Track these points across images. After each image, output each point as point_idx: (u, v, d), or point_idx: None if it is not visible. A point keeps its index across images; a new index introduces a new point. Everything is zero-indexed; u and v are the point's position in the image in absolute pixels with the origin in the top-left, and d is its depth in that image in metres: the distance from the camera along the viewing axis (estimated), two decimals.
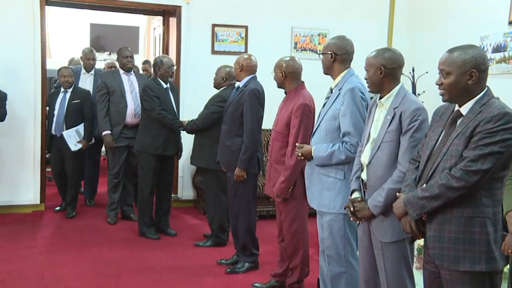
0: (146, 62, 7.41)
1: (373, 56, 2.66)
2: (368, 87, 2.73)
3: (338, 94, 3.01)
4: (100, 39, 9.21)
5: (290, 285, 3.68)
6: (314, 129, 3.14)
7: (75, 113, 5.25)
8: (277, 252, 3.83)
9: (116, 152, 5.15)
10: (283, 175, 3.42)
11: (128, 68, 5.21)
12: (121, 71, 5.21)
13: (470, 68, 2.14)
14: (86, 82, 5.78)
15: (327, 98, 3.12)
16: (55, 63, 7.62)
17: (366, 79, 2.71)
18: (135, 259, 4.26)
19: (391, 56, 2.63)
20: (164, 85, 4.72)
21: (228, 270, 4.08)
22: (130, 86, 5.20)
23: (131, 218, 5.29)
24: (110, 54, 9.08)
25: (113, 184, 5.24)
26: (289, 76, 3.50)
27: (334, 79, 3.10)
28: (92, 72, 5.84)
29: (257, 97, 3.93)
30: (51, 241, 4.66)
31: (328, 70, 3.12)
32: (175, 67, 4.81)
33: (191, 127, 4.57)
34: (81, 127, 5.29)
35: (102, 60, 7.91)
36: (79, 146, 5.23)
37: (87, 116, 5.33)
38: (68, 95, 5.29)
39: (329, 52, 3.06)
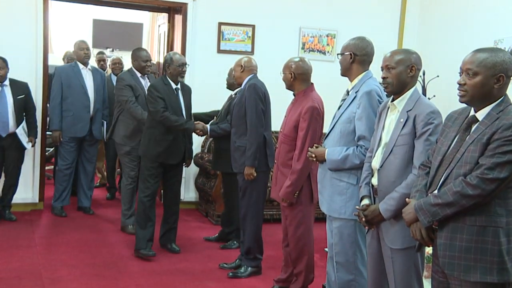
0: (101, 53, 6.90)
1: (403, 54, 2.60)
2: (387, 86, 2.60)
3: (355, 97, 2.93)
4: (103, 35, 9.14)
5: None
6: (328, 131, 3.06)
7: (21, 109, 4.95)
8: (281, 257, 3.77)
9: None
10: (290, 179, 3.35)
11: (147, 72, 4.95)
12: (138, 74, 4.87)
13: (499, 72, 2.08)
14: (86, 78, 5.28)
15: (343, 100, 3.04)
16: (56, 58, 7.57)
17: (383, 78, 2.60)
18: (135, 261, 4.19)
19: (418, 56, 2.62)
20: (174, 85, 4.29)
21: (230, 274, 4.00)
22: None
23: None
24: (112, 51, 9.02)
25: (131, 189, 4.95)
26: (298, 77, 3.44)
27: (351, 81, 3.03)
28: (90, 67, 5.36)
29: (256, 90, 3.88)
30: (50, 241, 4.58)
31: (346, 71, 3.03)
32: (187, 65, 4.42)
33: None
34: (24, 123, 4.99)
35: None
36: (30, 144, 5.03)
37: (30, 111, 5.03)
38: (7, 89, 4.85)
39: (348, 53, 2.98)
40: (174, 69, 4.26)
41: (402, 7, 6.22)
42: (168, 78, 4.29)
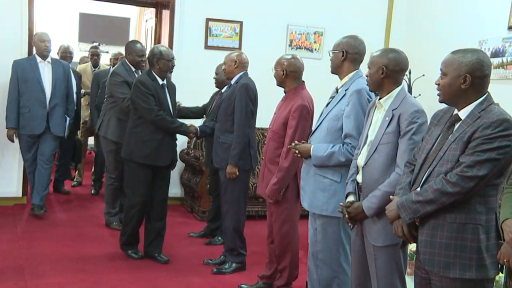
0: (94, 48, 6.70)
1: (378, 55, 2.62)
2: (368, 84, 2.68)
3: (344, 95, 2.94)
4: (89, 29, 9.07)
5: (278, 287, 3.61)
6: (315, 127, 3.07)
7: None
8: (265, 254, 3.77)
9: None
10: (276, 176, 3.36)
11: (142, 67, 4.66)
12: (133, 69, 4.59)
13: (464, 72, 2.13)
14: (44, 72, 4.98)
15: (332, 97, 3.05)
16: None
17: (367, 76, 2.66)
18: (119, 256, 4.17)
19: (395, 57, 2.59)
20: (160, 81, 3.98)
21: (215, 270, 4.01)
22: None
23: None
24: (99, 45, 8.96)
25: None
26: (290, 74, 3.43)
27: (341, 79, 3.03)
28: (49, 59, 5.05)
29: (248, 91, 3.87)
30: (33, 235, 4.54)
31: (337, 69, 3.04)
32: (175, 60, 4.10)
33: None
34: None
35: (86, 51, 7.70)
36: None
37: None
38: None
39: (340, 50, 2.99)
40: (164, 64, 3.94)
41: (389, 6, 6.25)
42: (155, 74, 3.96)
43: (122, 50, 5.59)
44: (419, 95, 5.03)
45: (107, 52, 8.33)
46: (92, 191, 6.14)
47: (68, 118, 5.20)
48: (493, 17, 4.87)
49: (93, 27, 9.08)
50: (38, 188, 4.99)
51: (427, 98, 4.64)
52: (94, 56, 6.52)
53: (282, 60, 3.46)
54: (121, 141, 4.46)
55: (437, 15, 5.71)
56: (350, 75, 2.98)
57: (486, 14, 4.98)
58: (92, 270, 3.86)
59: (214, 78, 4.74)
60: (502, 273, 2.18)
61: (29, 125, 4.91)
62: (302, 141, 3.14)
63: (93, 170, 6.38)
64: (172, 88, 4.19)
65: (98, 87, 5.58)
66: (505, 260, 2.05)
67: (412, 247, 2.88)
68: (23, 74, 4.88)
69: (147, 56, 3.82)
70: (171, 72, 4.19)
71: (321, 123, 3.02)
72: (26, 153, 5.04)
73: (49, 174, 5.19)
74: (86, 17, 9.09)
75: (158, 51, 3.95)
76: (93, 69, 6.49)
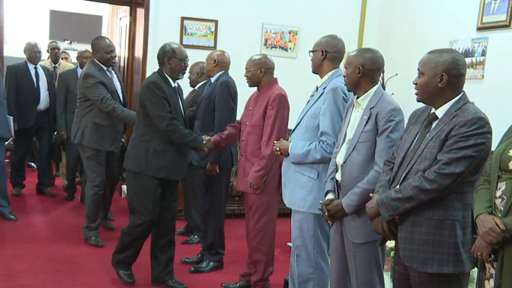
0: (54, 42, 6.46)
1: (354, 55, 2.67)
2: (345, 84, 2.73)
3: (322, 93, 2.98)
4: (60, 27, 8.92)
5: (254, 283, 3.62)
6: (295, 125, 3.11)
7: None
8: (242, 252, 3.78)
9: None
10: (259, 164, 3.39)
11: (112, 64, 4.45)
12: (104, 67, 4.37)
13: (441, 71, 2.19)
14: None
15: (312, 96, 3.09)
16: (11, 50, 7.32)
17: (344, 76, 2.70)
18: (95, 257, 4.12)
19: (371, 57, 2.64)
20: (173, 84, 3.52)
21: (192, 269, 4.00)
22: (116, 83, 4.54)
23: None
24: (70, 43, 8.83)
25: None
26: (267, 72, 3.51)
27: (321, 77, 3.08)
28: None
29: (229, 89, 3.88)
30: (4, 236, 4.45)
31: (317, 68, 3.08)
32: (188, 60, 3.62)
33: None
34: None
35: (62, 49, 7.57)
36: None
37: None
38: None
39: (320, 50, 3.03)
40: (177, 63, 3.48)
41: (362, 6, 6.32)
42: (166, 75, 3.49)
43: None
44: (392, 94, 5.07)
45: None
46: (66, 197, 5.85)
47: (11, 118, 4.92)
48: (463, 18, 4.99)
49: (64, 25, 8.94)
50: None
51: (400, 97, 4.72)
52: (55, 50, 6.23)
53: (257, 60, 3.51)
54: (100, 148, 4.33)
55: (409, 16, 5.80)
56: (330, 73, 3.03)
57: (456, 15, 5.09)
58: (68, 270, 3.81)
59: (188, 77, 4.73)
60: (477, 267, 2.24)
61: None
62: (281, 138, 3.18)
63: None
64: (181, 92, 3.80)
65: (67, 90, 5.39)
66: (478, 254, 2.10)
67: (389, 244, 2.94)
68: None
69: (157, 54, 3.50)
70: (184, 73, 3.64)
71: (300, 121, 3.06)
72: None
73: (3, 180, 4.87)
74: (57, 15, 8.94)
75: (170, 49, 3.47)
76: (53, 64, 6.26)
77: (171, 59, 3.45)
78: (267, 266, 3.59)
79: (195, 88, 4.61)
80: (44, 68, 5.79)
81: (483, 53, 4.73)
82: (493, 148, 2.21)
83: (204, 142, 3.53)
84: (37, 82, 5.62)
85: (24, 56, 5.70)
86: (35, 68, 5.65)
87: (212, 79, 4.03)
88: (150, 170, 3.41)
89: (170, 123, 3.36)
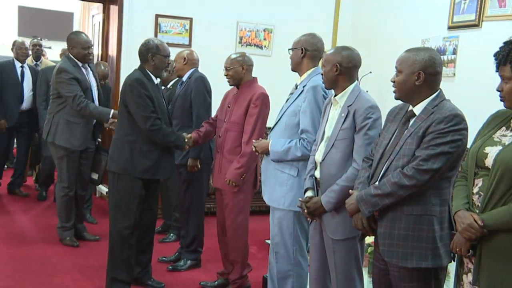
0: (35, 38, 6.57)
1: (331, 53, 2.70)
2: (323, 82, 2.75)
3: (302, 91, 3.00)
4: (29, 23, 8.74)
5: (233, 281, 3.63)
6: (275, 123, 3.12)
7: None
8: (218, 250, 3.76)
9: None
10: (239, 162, 3.39)
11: (89, 60, 4.33)
12: (80, 63, 4.26)
13: (418, 69, 2.22)
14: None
15: (291, 94, 3.10)
16: None
17: (322, 74, 2.72)
18: (70, 256, 4.07)
19: (348, 55, 2.67)
20: (155, 80, 3.44)
21: (170, 267, 3.99)
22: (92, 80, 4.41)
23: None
24: (41, 39, 8.65)
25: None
26: (248, 69, 3.51)
27: (301, 75, 3.09)
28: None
29: (204, 84, 3.89)
30: None
31: (297, 66, 3.10)
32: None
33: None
34: None
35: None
36: None
37: None
38: None
39: (299, 48, 3.05)
40: (160, 60, 3.38)
41: (336, 4, 6.38)
42: (149, 72, 3.39)
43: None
44: (367, 91, 5.16)
45: (50, 48, 8.05)
46: (38, 197, 5.74)
47: None
48: (435, 17, 5.07)
49: (33, 21, 8.76)
50: None
51: (374, 95, 4.78)
52: (37, 47, 6.11)
53: (238, 58, 3.51)
54: (71, 147, 4.21)
55: (382, 14, 5.88)
56: (309, 71, 3.05)
57: (428, 15, 5.18)
58: (42, 271, 3.75)
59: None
60: (454, 261, 2.29)
61: None
62: (260, 138, 3.19)
63: (35, 174, 6.15)
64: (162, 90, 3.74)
65: (48, 86, 5.21)
66: (457, 249, 2.13)
67: (367, 240, 2.98)
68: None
69: (138, 49, 3.39)
70: (166, 71, 3.55)
71: (280, 118, 3.08)
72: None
73: None
74: (26, 11, 8.77)
75: (154, 45, 3.36)
76: (34, 62, 6.15)
77: (155, 55, 3.36)
78: (244, 264, 3.60)
79: (168, 86, 4.58)
80: (31, 68, 5.71)
81: (454, 52, 4.83)
82: (468, 145, 2.26)
83: (186, 140, 3.47)
84: (22, 81, 5.54)
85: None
86: (22, 67, 5.57)
87: (184, 78, 4.02)
88: (136, 172, 3.31)
89: (154, 123, 3.26)
